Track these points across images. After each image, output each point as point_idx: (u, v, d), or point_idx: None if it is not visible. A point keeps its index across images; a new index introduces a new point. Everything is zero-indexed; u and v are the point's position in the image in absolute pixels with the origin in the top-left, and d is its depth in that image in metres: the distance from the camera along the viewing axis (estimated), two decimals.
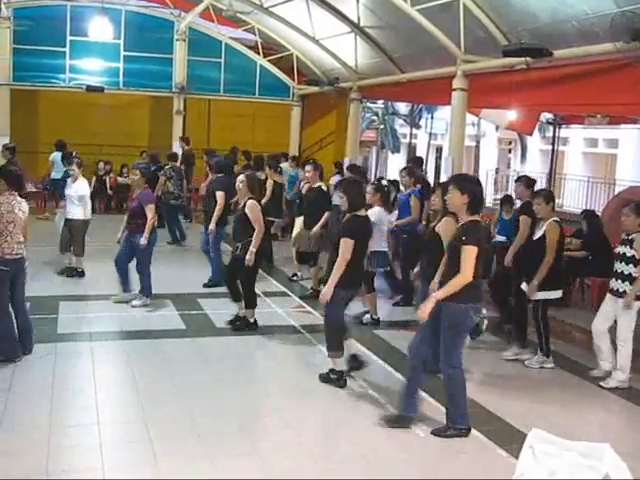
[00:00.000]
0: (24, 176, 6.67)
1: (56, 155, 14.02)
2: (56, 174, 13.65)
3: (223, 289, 7.99)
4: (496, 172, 24.56)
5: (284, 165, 13.67)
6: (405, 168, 9.48)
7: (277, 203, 11.04)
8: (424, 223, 8.27)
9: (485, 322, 7.73)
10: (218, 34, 18.14)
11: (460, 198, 4.84)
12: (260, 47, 18.17)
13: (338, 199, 5.86)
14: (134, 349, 6.63)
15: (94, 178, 15.83)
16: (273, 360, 6.68)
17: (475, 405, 5.57)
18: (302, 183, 10.36)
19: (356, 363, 6.05)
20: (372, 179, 16.04)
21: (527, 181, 7.58)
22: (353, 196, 5.82)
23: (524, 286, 6.67)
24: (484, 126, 24.71)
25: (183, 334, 7.22)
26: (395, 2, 10.72)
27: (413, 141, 32.69)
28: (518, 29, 9.70)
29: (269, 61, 18.43)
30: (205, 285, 9.17)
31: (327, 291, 5.68)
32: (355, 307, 8.03)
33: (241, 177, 7.42)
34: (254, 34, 17.82)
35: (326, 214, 8.84)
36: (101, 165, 16.53)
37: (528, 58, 9.28)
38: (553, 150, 17.46)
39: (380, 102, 30.46)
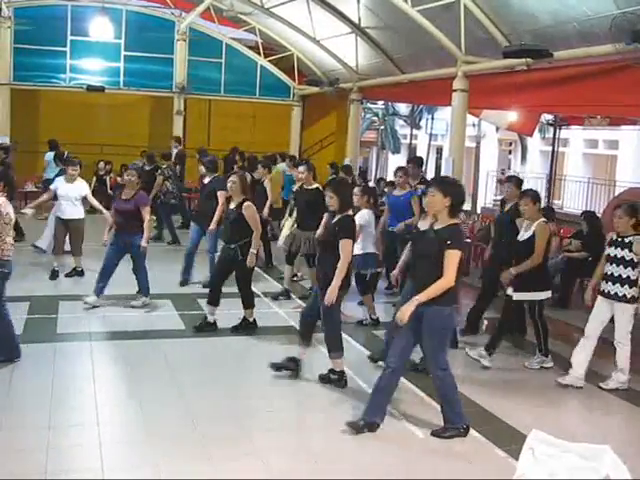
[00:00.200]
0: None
1: (49, 155, 13.77)
2: (48, 174, 13.27)
3: (223, 289, 7.96)
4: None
5: (282, 165, 13.60)
6: (401, 168, 9.14)
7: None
8: None
9: (485, 322, 7.76)
10: (219, 34, 18.17)
11: (442, 201, 4.82)
12: (261, 47, 18.19)
13: (327, 199, 5.82)
14: (134, 349, 6.63)
15: (94, 178, 15.85)
16: (273, 360, 6.67)
17: (474, 405, 5.57)
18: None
19: (292, 365, 6.02)
20: (372, 180, 16.04)
21: (517, 181, 7.56)
22: (344, 197, 5.81)
23: (510, 291, 6.63)
24: (484, 127, 24.66)
25: (182, 334, 7.23)
26: (396, 3, 10.74)
27: (413, 142, 32.67)
28: (519, 30, 9.72)
29: (270, 61, 18.45)
30: (204, 285, 9.14)
31: (334, 293, 5.62)
32: (355, 308, 8.11)
33: (233, 178, 7.27)
34: (255, 34, 17.85)
35: (326, 216, 8.74)
36: (101, 165, 16.56)
37: (528, 59, 9.30)
38: (553, 151, 17.45)
39: (380, 103, 30.50)
